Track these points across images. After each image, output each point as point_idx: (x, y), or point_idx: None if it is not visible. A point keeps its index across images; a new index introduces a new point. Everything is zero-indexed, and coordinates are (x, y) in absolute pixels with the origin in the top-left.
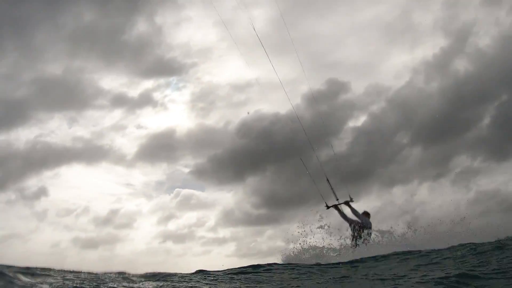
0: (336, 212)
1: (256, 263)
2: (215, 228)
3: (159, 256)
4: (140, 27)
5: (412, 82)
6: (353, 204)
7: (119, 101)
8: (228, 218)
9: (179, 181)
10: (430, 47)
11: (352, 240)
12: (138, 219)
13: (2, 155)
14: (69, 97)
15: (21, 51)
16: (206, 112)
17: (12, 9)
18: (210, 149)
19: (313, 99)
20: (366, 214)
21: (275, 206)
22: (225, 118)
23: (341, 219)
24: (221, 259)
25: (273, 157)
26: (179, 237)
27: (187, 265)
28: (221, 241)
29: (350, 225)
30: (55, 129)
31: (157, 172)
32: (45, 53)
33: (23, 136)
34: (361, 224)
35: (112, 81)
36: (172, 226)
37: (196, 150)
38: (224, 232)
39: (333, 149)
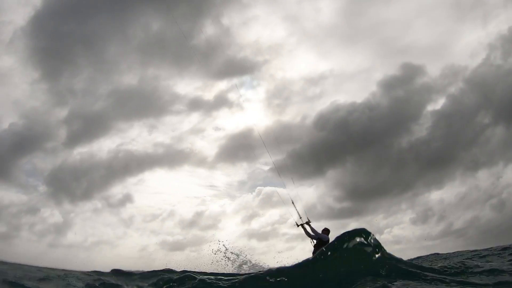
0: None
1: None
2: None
3: (244, 254)
4: (208, 30)
5: (489, 59)
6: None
7: (196, 104)
8: (311, 213)
9: (260, 179)
10: (504, 20)
11: (314, 252)
12: (222, 219)
13: (86, 166)
14: (146, 105)
15: (95, 66)
16: (282, 108)
17: (82, 27)
18: (289, 145)
19: (390, 85)
20: (326, 230)
21: (357, 198)
22: (302, 113)
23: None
24: (305, 254)
25: (352, 148)
26: (262, 235)
27: (271, 263)
28: (304, 237)
29: (312, 240)
30: (136, 137)
31: (238, 172)
32: (118, 65)
33: (105, 146)
34: (320, 240)
35: (186, 86)
36: (255, 224)
37: (276, 147)
38: (307, 227)
39: (413, 135)
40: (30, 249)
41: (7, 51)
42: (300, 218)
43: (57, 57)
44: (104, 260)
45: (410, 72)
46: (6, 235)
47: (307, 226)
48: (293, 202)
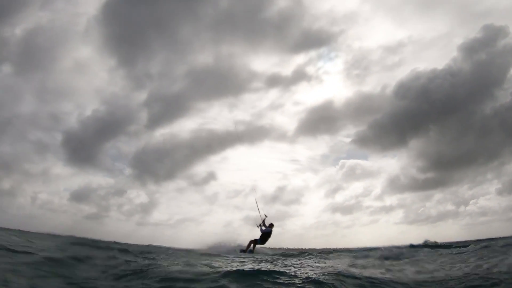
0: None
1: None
2: (382, 196)
3: (329, 228)
4: (279, 1)
5: None
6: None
7: (274, 81)
8: (394, 185)
9: (343, 152)
10: None
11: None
12: (305, 193)
13: (169, 147)
14: (224, 84)
15: (168, 48)
16: (362, 78)
17: (152, 10)
18: (370, 116)
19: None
20: (271, 225)
21: (441, 168)
22: (382, 82)
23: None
24: (389, 227)
25: (435, 116)
26: (346, 208)
27: (356, 236)
28: (388, 209)
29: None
30: (216, 115)
31: (320, 145)
32: (192, 45)
33: (186, 126)
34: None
35: (263, 62)
36: (339, 198)
37: (356, 118)
38: (391, 199)
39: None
40: (120, 228)
41: (83, 42)
42: (265, 215)
43: (131, 43)
44: (190, 237)
45: (492, 34)
46: (97, 215)
47: (262, 222)
48: (256, 202)
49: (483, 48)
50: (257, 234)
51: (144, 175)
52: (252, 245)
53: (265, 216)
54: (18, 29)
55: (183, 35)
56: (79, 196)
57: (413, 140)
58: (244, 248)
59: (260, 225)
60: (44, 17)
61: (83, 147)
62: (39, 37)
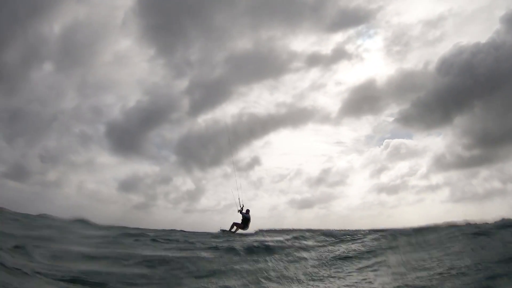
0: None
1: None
2: (427, 175)
3: (374, 209)
4: None
5: None
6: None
7: (314, 60)
8: (440, 163)
9: (387, 131)
10: None
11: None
12: (350, 175)
13: (211, 133)
14: (264, 66)
15: (206, 35)
16: (403, 55)
17: None
18: (413, 93)
19: None
20: (248, 211)
21: (487, 145)
22: (423, 58)
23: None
24: (436, 206)
25: (480, 92)
26: (392, 189)
27: (402, 216)
28: (434, 188)
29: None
30: (257, 99)
31: (364, 125)
32: (229, 31)
33: (228, 111)
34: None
35: (301, 42)
36: (384, 178)
37: (399, 97)
38: (437, 178)
39: None
40: (168, 216)
41: (122, 34)
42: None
43: (168, 32)
44: (238, 221)
45: None
46: (145, 204)
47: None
48: (237, 190)
49: None
50: (238, 218)
51: (189, 162)
52: (235, 227)
53: (242, 204)
54: (56, 26)
55: (220, 21)
56: (126, 185)
57: (457, 117)
58: (227, 229)
59: (240, 211)
60: (81, 12)
61: (128, 136)
62: (77, 32)
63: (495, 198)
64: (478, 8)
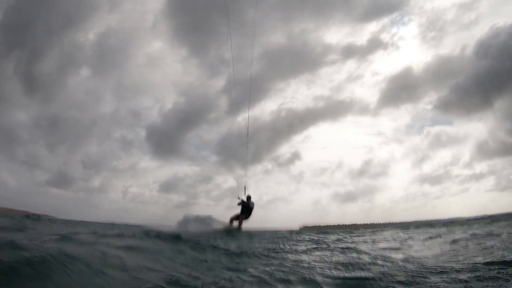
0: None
1: None
2: (471, 163)
3: (418, 200)
4: None
5: None
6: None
7: (349, 51)
8: (483, 150)
9: (426, 119)
10: None
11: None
12: (392, 165)
13: (252, 130)
14: (299, 61)
15: (238, 31)
16: (438, 40)
17: None
18: (451, 79)
19: None
20: (249, 197)
21: None
22: (460, 43)
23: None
24: (481, 195)
25: None
26: (435, 179)
27: (446, 206)
28: (479, 177)
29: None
30: (295, 94)
31: (403, 115)
32: (262, 27)
33: (267, 108)
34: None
35: (335, 34)
36: (426, 168)
37: (437, 83)
38: (481, 166)
39: None
40: (210, 212)
41: (153, 36)
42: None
43: (199, 31)
44: (281, 216)
45: None
46: (186, 203)
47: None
48: (245, 187)
49: None
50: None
51: (230, 160)
52: (235, 222)
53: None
54: (91, 33)
55: (251, 16)
56: (167, 186)
57: (498, 101)
58: (228, 226)
59: (241, 203)
60: (113, 19)
61: (167, 139)
62: (111, 38)
63: None
64: None
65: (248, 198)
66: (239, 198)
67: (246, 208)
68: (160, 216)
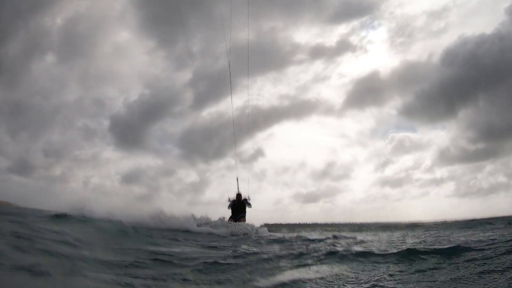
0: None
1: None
2: (432, 168)
3: (378, 202)
4: None
5: None
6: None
7: (317, 52)
8: (444, 156)
9: (391, 124)
10: None
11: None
12: (355, 168)
13: (216, 125)
14: (267, 58)
15: (207, 25)
16: (406, 46)
17: None
18: (417, 85)
19: None
20: (239, 195)
21: (493, 138)
22: (427, 50)
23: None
24: (441, 200)
25: (484, 84)
26: (396, 182)
27: (406, 209)
28: (439, 182)
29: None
30: (260, 91)
31: (368, 118)
32: (230, 21)
33: (232, 104)
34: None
35: (304, 34)
36: (388, 171)
37: (403, 89)
38: (441, 171)
39: None
40: (172, 208)
41: (121, 26)
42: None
43: (168, 23)
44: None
45: None
46: (148, 196)
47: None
48: (237, 179)
49: None
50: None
51: (193, 155)
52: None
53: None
54: (58, 18)
55: (219, 10)
56: (130, 178)
57: (462, 110)
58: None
59: (229, 198)
60: (82, 4)
61: (131, 130)
62: (79, 24)
63: (501, 193)
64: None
65: (239, 196)
66: (229, 200)
67: (238, 208)
68: (121, 208)
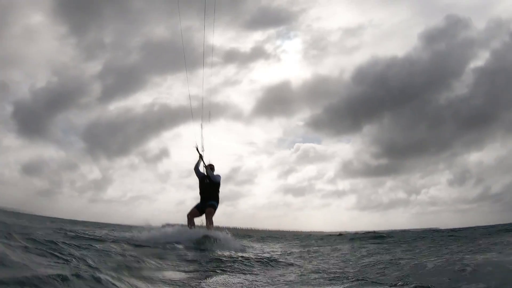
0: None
1: (378, 217)
2: (334, 180)
3: (280, 209)
4: None
5: None
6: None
7: (231, 56)
8: (347, 169)
9: (298, 135)
10: None
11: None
12: (259, 174)
13: (122, 121)
14: (179, 57)
15: (122, 17)
16: (319, 59)
17: None
18: (326, 99)
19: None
20: (212, 166)
21: (394, 155)
22: (339, 65)
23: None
24: (341, 212)
25: (390, 103)
26: (298, 190)
27: (307, 219)
28: (341, 193)
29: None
30: (170, 90)
31: (276, 128)
32: (146, 16)
33: (141, 100)
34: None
35: (219, 37)
36: (291, 179)
37: (312, 101)
38: (344, 184)
39: (453, 91)
40: (73, 205)
41: (33, 8)
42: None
43: (82, 10)
44: (144, 214)
45: (454, 25)
46: (50, 191)
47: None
48: (201, 126)
49: (444, 39)
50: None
51: (97, 150)
52: (206, 222)
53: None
54: None
55: (137, 4)
56: (30, 169)
57: (367, 126)
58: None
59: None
60: None
61: (35, 118)
62: None
63: (399, 208)
64: (397, 23)
65: (211, 168)
66: (198, 154)
67: (208, 189)
68: (21, 200)
